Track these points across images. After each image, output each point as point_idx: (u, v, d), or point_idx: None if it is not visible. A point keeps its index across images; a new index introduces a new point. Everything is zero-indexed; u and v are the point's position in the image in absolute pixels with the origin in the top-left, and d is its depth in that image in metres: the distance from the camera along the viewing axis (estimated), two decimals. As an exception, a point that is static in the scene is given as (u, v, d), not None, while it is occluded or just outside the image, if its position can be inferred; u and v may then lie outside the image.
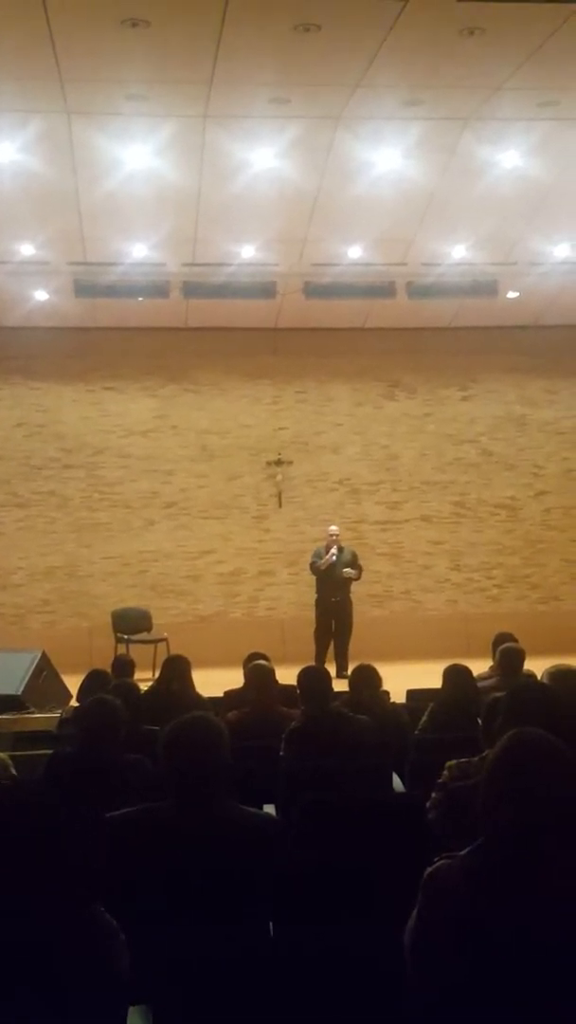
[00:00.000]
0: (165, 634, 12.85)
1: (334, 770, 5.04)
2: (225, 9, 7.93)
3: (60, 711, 8.92)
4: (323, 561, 12.70)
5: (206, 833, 3.28)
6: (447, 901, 2.43)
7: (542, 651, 8.40)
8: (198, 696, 7.31)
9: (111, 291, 12.82)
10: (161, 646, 12.41)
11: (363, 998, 2.71)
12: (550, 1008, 2.28)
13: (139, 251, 12.16)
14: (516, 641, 7.97)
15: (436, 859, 2.58)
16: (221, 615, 14.76)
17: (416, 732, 6.30)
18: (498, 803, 2.45)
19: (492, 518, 15.38)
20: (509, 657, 7.48)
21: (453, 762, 4.31)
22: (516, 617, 13.41)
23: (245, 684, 7.03)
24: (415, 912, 2.59)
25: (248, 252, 12.31)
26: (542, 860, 2.36)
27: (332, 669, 11.61)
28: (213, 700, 7.19)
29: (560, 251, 12.70)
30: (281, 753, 5.66)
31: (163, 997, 2.69)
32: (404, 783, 5.39)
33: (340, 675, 11.28)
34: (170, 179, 10.54)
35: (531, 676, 6.81)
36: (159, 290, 12.89)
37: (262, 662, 7.09)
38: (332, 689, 6.30)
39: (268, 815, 3.84)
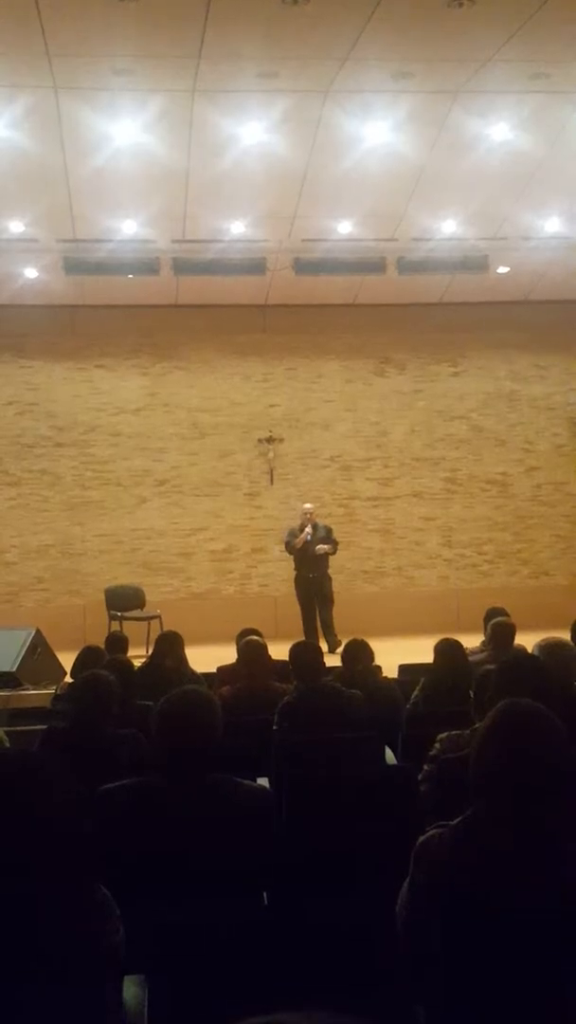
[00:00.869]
0: (158, 611, 12.88)
1: (327, 744, 5.07)
2: (213, -18, 7.89)
3: (54, 688, 8.96)
4: (298, 540, 12.71)
5: (199, 805, 3.30)
6: (438, 870, 2.45)
7: (532, 625, 8.44)
8: (191, 672, 7.34)
9: (101, 268, 12.79)
10: (154, 623, 12.45)
11: (356, 967, 2.73)
12: (542, 974, 2.31)
13: (128, 228, 12.11)
14: (507, 616, 8.01)
15: (428, 829, 2.60)
16: (214, 592, 14.78)
17: (408, 706, 6.33)
18: (489, 772, 2.47)
19: (483, 494, 15.40)
20: (500, 631, 7.51)
21: (444, 734, 4.34)
22: (507, 592, 13.44)
23: (238, 660, 7.05)
24: (407, 881, 2.62)
25: (238, 228, 12.27)
26: (533, 827, 2.38)
27: (323, 646, 11.73)
28: (206, 676, 7.21)
29: (550, 225, 12.67)
30: (274, 727, 5.68)
31: (158, 968, 2.72)
32: (396, 756, 5.41)
33: (332, 650, 11.32)
34: (159, 155, 10.50)
35: (522, 650, 6.84)
36: (149, 267, 12.85)
37: (255, 638, 7.11)
38: (324, 664, 6.32)
39: (261, 787, 3.86)
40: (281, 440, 14.96)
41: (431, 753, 4.34)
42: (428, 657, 6.88)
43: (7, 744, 4.76)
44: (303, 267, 13.07)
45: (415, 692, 6.42)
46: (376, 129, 10.35)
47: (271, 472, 14.94)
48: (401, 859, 2.67)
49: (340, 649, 7.45)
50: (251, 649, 6.86)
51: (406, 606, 14.41)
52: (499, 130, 10.48)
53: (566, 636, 6.53)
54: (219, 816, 3.30)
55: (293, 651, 6.22)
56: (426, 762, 4.37)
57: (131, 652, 8.69)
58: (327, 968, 2.72)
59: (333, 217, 12.19)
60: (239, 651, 7.08)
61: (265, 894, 3.47)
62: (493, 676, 4.00)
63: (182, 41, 8.75)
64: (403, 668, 8.22)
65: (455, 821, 2.53)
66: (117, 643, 8.52)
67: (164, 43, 8.81)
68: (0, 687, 9.15)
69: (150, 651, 8.73)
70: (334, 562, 13.00)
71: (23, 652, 9.75)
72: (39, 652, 10.14)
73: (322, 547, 12.67)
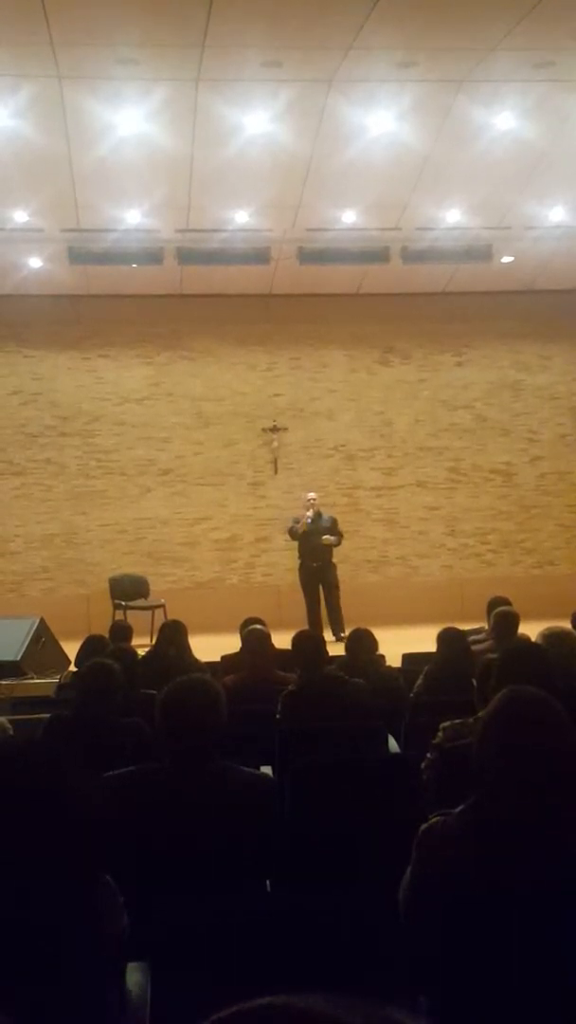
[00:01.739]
0: (162, 600, 12.90)
1: (330, 732, 5.08)
2: (217, -29, 7.88)
3: (58, 676, 8.98)
4: (299, 525, 12.74)
5: (203, 793, 3.31)
6: (441, 857, 2.46)
7: (536, 615, 8.45)
8: (195, 660, 7.36)
9: (105, 258, 12.78)
10: (158, 612, 12.47)
11: (359, 955, 2.74)
12: (545, 961, 2.32)
13: (133, 217, 12.10)
14: (511, 605, 8.01)
15: (430, 817, 2.61)
16: (218, 581, 14.80)
17: (411, 695, 6.35)
18: (494, 758, 2.48)
19: (487, 483, 15.40)
20: (504, 620, 7.51)
21: (448, 723, 4.35)
22: (510, 582, 13.44)
23: (242, 649, 7.07)
24: (410, 869, 2.63)
25: (242, 218, 12.26)
26: (537, 814, 2.39)
27: (328, 634, 11.75)
28: (210, 665, 7.22)
29: (554, 215, 12.64)
30: (277, 716, 5.70)
31: (160, 954, 2.73)
32: (399, 744, 5.43)
33: (338, 638, 11.34)
34: (163, 144, 10.48)
35: (524, 639, 6.84)
36: (153, 256, 12.84)
37: (258, 627, 7.12)
38: (327, 653, 6.33)
39: (265, 775, 3.88)
40: (285, 429, 14.97)
41: (434, 742, 4.34)
42: (431, 646, 6.90)
43: (11, 732, 4.77)
44: (307, 256, 13.06)
45: (418, 681, 6.44)
46: (380, 118, 10.33)
47: (275, 461, 14.94)
48: (404, 847, 2.68)
49: (344, 636, 7.47)
50: (254, 638, 6.87)
51: (410, 595, 14.42)
52: (503, 119, 10.45)
53: (569, 625, 6.54)
54: (222, 804, 3.31)
55: (296, 640, 6.22)
56: (429, 750, 4.38)
57: (135, 641, 8.71)
58: (329, 956, 2.73)
59: (337, 206, 12.17)
60: (243, 640, 7.10)
61: (268, 882, 3.49)
62: (495, 664, 4.00)
63: (186, 30, 8.73)
64: (406, 657, 8.23)
65: (458, 809, 2.53)
66: (121, 632, 8.54)
67: (168, 32, 8.80)
68: (4, 676, 9.17)
69: (154, 640, 8.75)
70: (338, 551, 13.02)
71: (27, 641, 9.78)
72: (43, 641, 10.16)
73: (329, 538, 12.69)
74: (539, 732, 2.46)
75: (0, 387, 14.65)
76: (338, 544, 12.83)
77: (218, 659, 7.48)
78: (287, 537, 13.27)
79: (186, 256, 12.87)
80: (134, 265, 13.08)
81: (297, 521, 12.87)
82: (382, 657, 7.43)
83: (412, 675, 6.84)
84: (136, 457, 14.80)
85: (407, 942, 2.60)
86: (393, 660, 8.01)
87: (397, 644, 8.64)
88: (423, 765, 4.36)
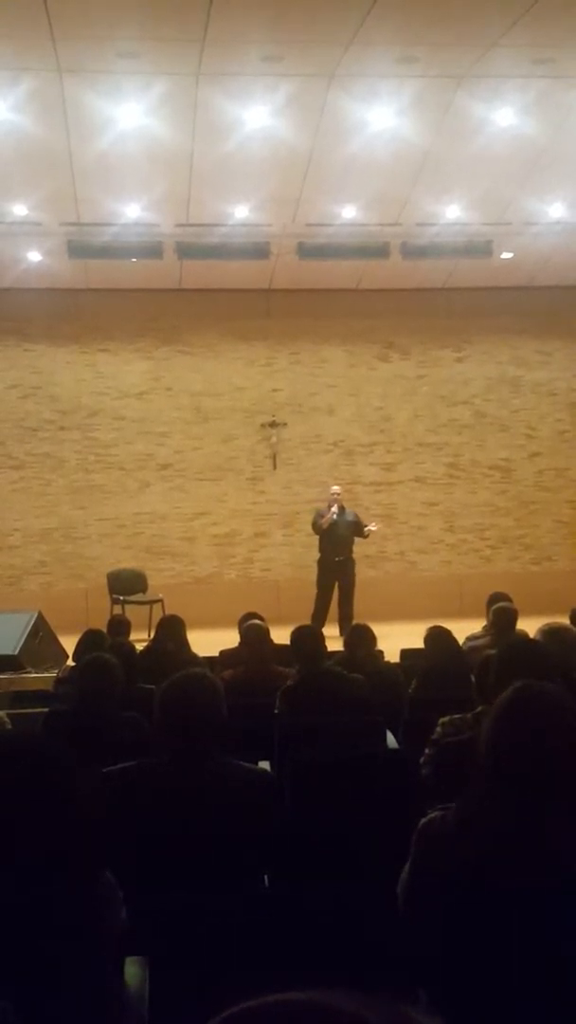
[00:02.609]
0: (160, 595, 12.90)
1: (329, 727, 5.08)
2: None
3: (56, 671, 8.98)
4: (324, 520, 12.74)
5: (201, 788, 3.31)
6: (440, 851, 2.47)
7: (535, 611, 8.45)
8: (193, 655, 7.35)
9: (104, 252, 12.76)
10: (156, 607, 12.46)
11: (358, 949, 2.75)
12: (544, 955, 2.32)
13: (132, 211, 12.09)
14: (510, 601, 8.02)
15: (429, 811, 2.61)
16: (216, 576, 14.80)
17: (409, 691, 6.35)
18: (502, 753, 2.48)
19: (486, 479, 15.40)
20: (502, 616, 7.53)
21: (446, 718, 4.35)
22: (509, 577, 13.46)
23: (240, 643, 7.07)
24: (408, 864, 2.63)
25: (242, 212, 12.25)
26: (539, 809, 2.39)
27: (333, 630, 11.76)
28: (208, 660, 7.23)
29: (554, 211, 12.63)
30: (276, 711, 5.70)
31: (159, 949, 2.74)
32: (398, 740, 5.43)
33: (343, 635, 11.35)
34: (163, 138, 10.47)
35: (522, 634, 6.85)
36: (153, 251, 12.83)
37: (257, 621, 7.12)
38: (326, 648, 6.34)
39: (263, 770, 3.88)
40: (284, 425, 14.96)
41: (432, 737, 4.35)
42: (428, 643, 6.91)
43: (9, 727, 4.77)
44: (307, 252, 13.05)
45: (413, 684, 6.43)
46: (381, 113, 10.32)
47: (274, 457, 14.94)
48: (402, 842, 2.68)
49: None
50: (253, 633, 6.88)
51: (408, 591, 14.42)
52: (504, 115, 10.44)
53: (568, 621, 6.55)
54: (221, 799, 3.31)
55: (295, 635, 6.23)
56: (427, 746, 4.38)
57: (133, 636, 8.72)
58: (328, 950, 2.73)
59: (337, 202, 12.16)
60: (241, 635, 7.10)
61: (266, 877, 3.49)
62: (494, 660, 4.01)
63: (186, 24, 8.72)
64: (405, 653, 8.24)
65: (456, 803, 2.53)
66: (119, 627, 8.54)
67: (168, 26, 8.78)
68: (2, 670, 9.17)
69: (152, 635, 8.75)
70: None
71: (25, 635, 9.77)
72: (41, 635, 10.16)
73: (370, 528, 12.76)
74: (548, 727, 2.46)
75: (-1, 381, 14.67)
76: (366, 536, 12.86)
77: (217, 654, 7.49)
78: (304, 532, 13.24)
79: (186, 251, 12.86)
80: (133, 259, 13.07)
81: (321, 515, 12.86)
82: (381, 653, 7.44)
83: (410, 671, 6.85)
84: (135, 452, 14.80)
85: (406, 937, 2.60)
86: (392, 656, 8.02)
87: (396, 640, 8.66)
88: (422, 760, 4.36)
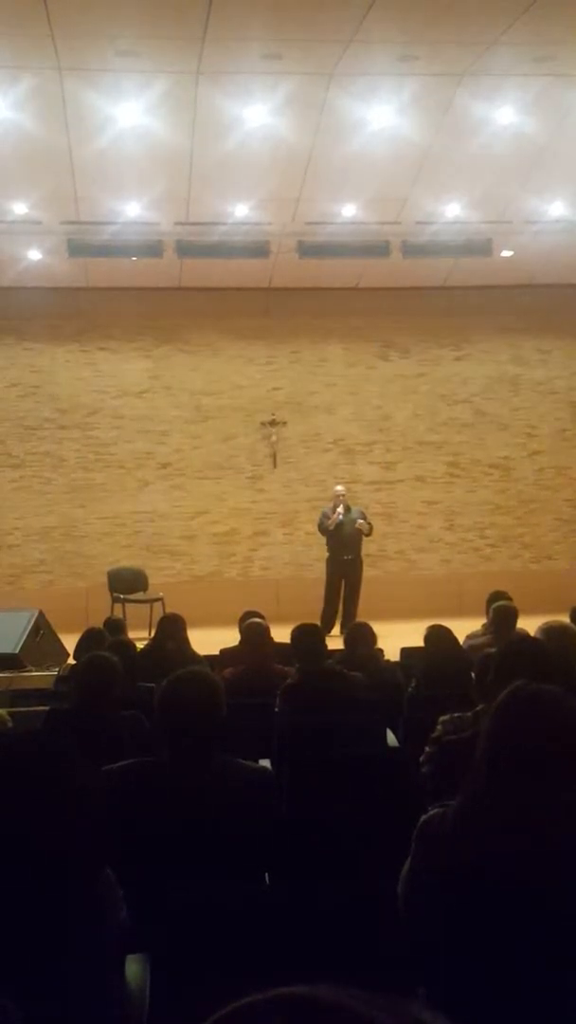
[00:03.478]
0: (161, 594, 12.89)
1: (329, 726, 5.09)
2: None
3: (57, 669, 8.99)
4: (330, 520, 12.73)
5: (202, 786, 3.31)
6: (440, 849, 2.47)
7: (534, 609, 8.44)
8: (194, 654, 7.36)
9: (104, 251, 12.76)
10: (157, 605, 12.45)
11: (358, 947, 2.75)
12: (544, 952, 2.32)
13: (132, 210, 12.09)
14: (509, 599, 8.02)
15: (429, 809, 2.61)
16: (216, 575, 14.80)
17: (409, 689, 6.35)
18: (501, 751, 2.48)
19: (485, 478, 15.40)
20: (502, 615, 7.53)
21: (446, 717, 4.35)
22: (509, 576, 13.45)
23: (240, 642, 7.07)
24: (408, 861, 2.63)
25: (241, 211, 12.24)
26: (540, 806, 2.39)
27: (334, 629, 11.77)
28: (209, 658, 7.23)
29: (554, 209, 12.63)
30: (276, 709, 5.70)
31: (160, 947, 2.74)
32: (398, 738, 5.43)
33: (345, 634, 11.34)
34: (162, 136, 10.47)
35: (523, 633, 6.85)
36: (152, 249, 12.83)
37: (257, 620, 7.13)
38: (326, 646, 6.34)
39: (263, 768, 3.88)
40: (284, 423, 14.96)
41: (432, 735, 4.35)
42: (428, 642, 6.91)
43: (10, 725, 4.78)
44: (307, 250, 13.05)
45: (412, 683, 6.43)
46: (380, 112, 10.32)
47: (274, 455, 14.94)
48: (402, 840, 2.68)
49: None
50: (253, 631, 6.88)
51: (408, 590, 14.42)
52: (504, 113, 10.45)
53: (568, 620, 6.54)
54: (221, 797, 3.31)
55: (295, 634, 6.23)
56: (427, 744, 4.38)
57: (133, 635, 8.72)
58: (328, 948, 2.73)
59: (337, 200, 12.16)
60: (241, 633, 7.11)
61: (266, 875, 3.49)
62: (494, 659, 4.01)
63: (186, 22, 8.72)
64: (405, 651, 8.24)
65: (456, 800, 2.53)
66: (115, 627, 8.55)
67: (168, 24, 8.79)
68: (3, 668, 9.18)
69: (152, 634, 8.75)
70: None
71: (26, 634, 9.78)
72: (42, 634, 10.17)
73: (361, 523, 12.68)
74: (548, 726, 2.46)
75: (-1, 380, 14.67)
76: (368, 532, 12.82)
77: (217, 652, 7.49)
78: (304, 531, 13.22)
79: (185, 249, 12.86)
80: (133, 258, 13.07)
81: (327, 516, 12.85)
82: (380, 651, 7.44)
83: (410, 669, 6.86)
84: (135, 450, 14.80)
85: (406, 934, 2.61)
86: (392, 654, 8.02)
87: (395, 638, 8.65)
88: (422, 759, 4.36)
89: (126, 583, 13.33)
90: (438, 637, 6.71)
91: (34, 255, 13.29)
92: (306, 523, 14.20)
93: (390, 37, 9.06)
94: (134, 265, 13.33)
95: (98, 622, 9.01)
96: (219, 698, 3.45)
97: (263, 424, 14.93)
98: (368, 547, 13.79)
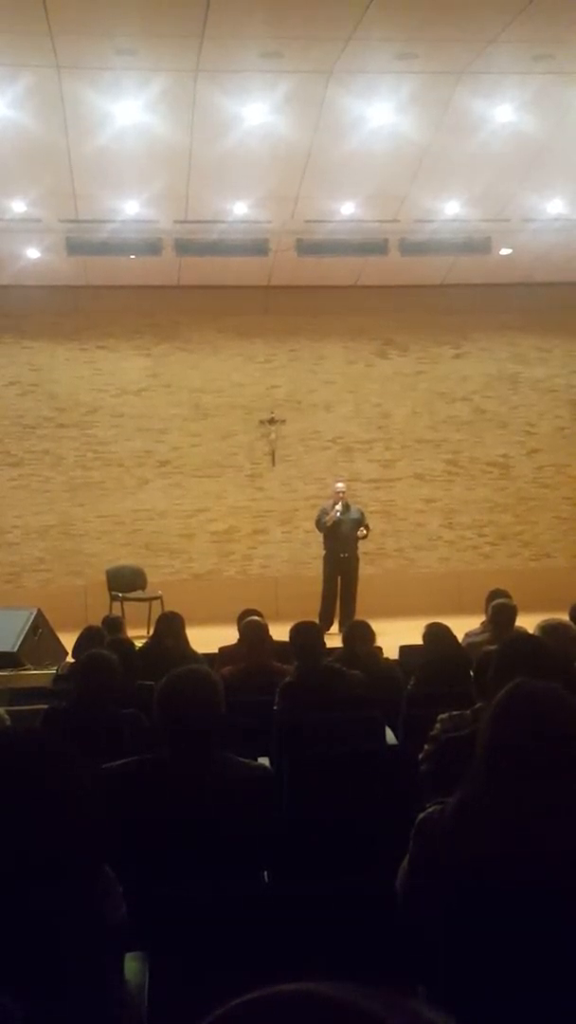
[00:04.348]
0: (159, 592, 12.90)
1: (328, 724, 5.09)
2: (216, -39, 7.85)
3: (56, 668, 8.99)
4: (328, 517, 12.73)
5: (201, 783, 3.31)
6: (438, 846, 2.47)
7: (533, 607, 8.45)
8: (193, 652, 7.36)
9: (103, 249, 12.74)
10: (155, 604, 12.46)
11: (356, 945, 2.75)
12: (543, 950, 2.32)
13: (131, 208, 12.07)
14: (509, 597, 8.03)
15: (427, 806, 2.62)
16: (215, 573, 14.80)
17: (409, 687, 6.36)
18: (500, 749, 2.48)
19: (484, 476, 15.40)
20: (501, 613, 7.54)
21: (445, 715, 4.35)
22: (508, 574, 13.45)
23: (239, 640, 7.08)
24: (407, 858, 2.63)
25: (240, 209, 12.23)
26: (538, 804, 2.39)
27: (333, 627, 11.76)
28: (207, 656, 7.24)
29: (553, 207, 12.62)
30: (275, 707, 5.70)
31: (159, 945, 2.74)
32: (396, 736, 5.44)
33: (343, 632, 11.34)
34: (161, 135, 10.46)
35: (522, 631, 6.85)
36: (151, 248, 12.81)
37: (256, 618, 7.14)
38: (325, 644, 6.34)
39: (262, 766, 3.88)
40: (283, 421, 14.96)
41: (431, 733, 4.35)
42: (427, 639, 6.91)
43: (8, 723, 4.77)
44: (306, 248, 13.04)
45: (411, 681, 6.43)
46: (380, 110, 10.31)
47: (273, 453, 14.94)
48: (401, 837, 2.68)
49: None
50: (252, 629, 6.89)
51: (407, 588, 14.43)
52: (503, 111, 10.43)
53: (567, 618, 6.55)
54: (220, 795, 3.32)
55: (294, 632, 6.23)
56: (426, 742, 4.39)
57: (132, 633, 8.73)
58: (327, 945, 2.74)
59: (336, 198, 12.15)
60: (240, 631, 7.11)
61: (266, 872, 3.49)
62: (493, 657, 4.01)
63: (185, 20, 8.71)
64: (404, 649, 8.25)
65: (455, 797, 2.53)
66: (114, 626, 8.55)
67: (167, 22, 8.78)
68: (1, 667, 9.18)
69: (151, 632, 8.76)
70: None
71: (24, 632, 9.78)
72: (40, 632, 10.16)
73: (363, 531, 12.67)
74: (548, 723, 2.46)
75: (-2, 378, 14.66)
76: (366, 536, 12.81)
77: (216, 650, 7.50)
78: (303, 529, 13.21)
79: (184, 247, 12.84)
80: (132, 256, 13.05)
81: (325, 512, 12.84)
82: (379, 649, 7.44)
83: (409, 667, 6.86)
84: (134, 448, 14.79)
85: (405, 931, 2.61)
86: (390, 652, 8.03)
87: (394, 636, 8.66)
88: (420, 757, 4.36)
89: (125, 581, 13.33)
90: (437, 635, 6.72)
91: (33, 253, 13.28)
92: (305, 521, 14.19)
93: (389, 35, 9.05)
94: (133, 263, 13.32)
95: (97, 620, 9.02)
96: (218, 696, 3.46)
97: (262, 422, 14.93)
98: (367, 545, 13.81)
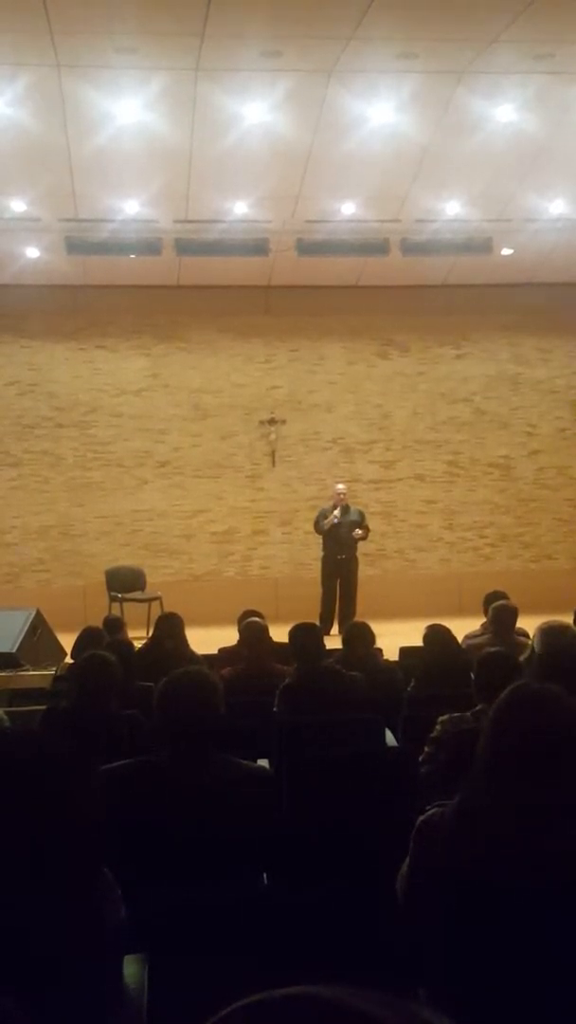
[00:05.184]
0: (159, 593, 12.88)
1: (327, 725, 5.07)
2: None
3: (55, 668, 8.98)
4: (326, 522, 12.70)
5: (200, 785, 3.30)
6: (439, 848, 2.45)
7: (534, 609, 8.44)
8: (192, 653, 7.35)
9: (103, 248, 12.73)
10: (155, 604, 12.44)
11: (357, 947, 2.74)
12: (543, 952, 2.31)
13: (131, 207, 12.06)
14: (508, 599, 8.01)
15: (428, 808, 2.60)
16: (215, 574, 14.78)
17: (409, 689, 6.35)
18: (501, 751, 2.46)
19: (485, 477, 15.39)
20: (501, 615, 7.52)
21: (445, 716, 4.34)
22: (508, 576, 13.45)
23: (239, 641, 7.07)
24: (407, 860, 2.62)
25: (241, 209, 12.22)
26: (539, 807, 2.38)
27: (333, 628, 11.74)
28: (207, 657, 7.22)
29: (555, 207, 12.61)
30: (275, 709, 5.69)
31: (158, 947, 2.72)
32: (397, 738, 5.42)
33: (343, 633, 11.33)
34: (161, 134, 10.45)
35: (524, 634, 6.85)
36: (151, 247, 12.80)
37: (256, 619, 7.12)
38: (324, 646, 6.33)
39: (262, 768, 3.87)
40: (283, 422, 14.94)
41: (432, 735, 4.34)
42: (428, 641, 6.90)
43: (7, 724, 4.76)
44: (306, 248, 13.03)
45: (411, 683, 6.42)
46: (380, 110, 10.30)
47: (273, 454, 14.92)
48: (401, 839, 2.67)
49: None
50: (252, 631, 6.87)
51: (407, 589, 14.41)
52: (504, 111, 10.43)
53: (568, 619, 6.53)
54: (220, 796, 3.30)
55: (293, 633, 6.22)
56: (426, 744, 4.37)
57: (132, 634, 8.71)
58: (327, 948, 2.72)
59: (336, 198, 12.14)
60: (240, 633, 7.10)
61: (265, 875, 3.48)
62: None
63: (185, 19, 8.70)
64: (404, 651, 8.23)
65: (455, 800, 2.52)
66: (114, 626, 8.53)
67: (167, 21, 8.76)
68: (0, 667, 9.16)
69: (151, 633, 8.74)
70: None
71: (23, 633, 9.77)
72: (39, 633, 10.15)
73: (358, 532, 12.64)
74: (545, 726, 2.45)
75: (-3, 378, 14.65)
76: (365, 538, 12.78)
77: (215, 652, 7.48)
78: (303, 530, 13.19)
79: (184, 247, 12.83)
80: (132, 256, 13.04)
81: (324, 516, 12.81)
82: (379, 651, 7.43)
83: (409, 669, 6.85)
84: (133, 449, 14.78)
85: (405, 934, 2.59)
86: (390, 654, 8.02)
87: (395, 638, 8.65)
88: (421, 758, 4.35)
89: (124, 582, 13.31)
90: (437, 636, 6.71)
91: (32, 252, 13.27)
92: (305, 522, 14.17)
93: (390, 35, 9.04)
94: (132, 263, 13.31)
95: (96, 621, 9.00)
96: (217, 697, 3.44)
97: (262, 422, 14.91)
98: (367, 546, 13.80)
